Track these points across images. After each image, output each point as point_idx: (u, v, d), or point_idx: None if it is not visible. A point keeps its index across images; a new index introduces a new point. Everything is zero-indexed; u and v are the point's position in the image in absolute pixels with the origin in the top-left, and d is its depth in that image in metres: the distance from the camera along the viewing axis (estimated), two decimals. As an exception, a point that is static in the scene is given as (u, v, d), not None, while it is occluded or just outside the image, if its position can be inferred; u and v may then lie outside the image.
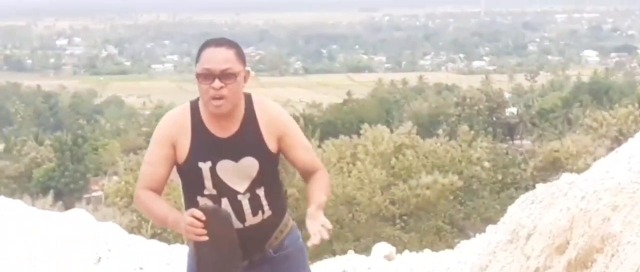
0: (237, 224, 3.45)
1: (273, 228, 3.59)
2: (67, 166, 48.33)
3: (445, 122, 53.63)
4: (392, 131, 32.95)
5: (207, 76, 3.42)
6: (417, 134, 33.28)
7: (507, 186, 33.03)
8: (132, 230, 15.39)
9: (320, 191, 3.48)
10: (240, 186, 3.48)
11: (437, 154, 32.41)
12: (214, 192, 3.48)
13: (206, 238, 3.24)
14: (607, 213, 4.33)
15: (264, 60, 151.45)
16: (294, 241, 3.68)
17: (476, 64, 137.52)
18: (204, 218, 3.22)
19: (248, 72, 3.56)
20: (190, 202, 3.51)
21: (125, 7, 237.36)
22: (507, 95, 71.59)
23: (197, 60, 3.48)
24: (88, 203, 33.25)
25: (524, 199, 6.06)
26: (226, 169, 3.46)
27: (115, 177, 34.43)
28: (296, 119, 39.55)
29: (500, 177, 33.33)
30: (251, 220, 3.50)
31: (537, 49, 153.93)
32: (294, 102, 76.42)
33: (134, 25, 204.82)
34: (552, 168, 32.55)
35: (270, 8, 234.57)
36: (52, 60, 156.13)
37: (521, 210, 5.88)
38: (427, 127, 48.40)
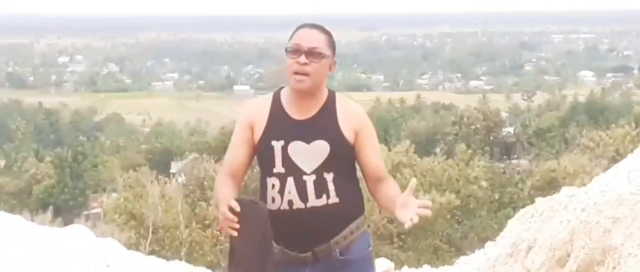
0: (299, 204, 3.48)
1: (342, 221, 3.55)
2: (66, 183, 48.30)
3: (442, 141, 53.78)
4: (389, 149, 32.97)
5: (295, 51, 3.53)
6: (414, 152, 33.35)
7: (505, 205, 33.07)
8: (130, 247, 15.37)
9: (394, 194, 3.50)
10: (308, 166, 3.50)
11: (435, 173, 32.49)
12: (282, 170, 3.51)
13: (236, 233, 3.30)
14: (607, 225, 4.33)
15: (263, 79, 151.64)
16: (362, 248, 3.61)
17: (473, 83, 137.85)
18: (238, 209, 3.28)
19: (335, 62, 3.63)
20: (262, 185, 3.59)
21: (127, 26, 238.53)
22: (504, 114, 71.69)
23: (290, 39, 3.60)
24: (87, 220, 33.21)
25: (523, 213, 6.05)
26: (297, 149, 3.51)
27: (114, 194, 34.42)
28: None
29: (497, 196, 33.41)
30: (314, 201, 3.48)
31: (534, 68, 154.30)
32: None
33: (135, 43, 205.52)
34: (549, 187, 32.55)
35: (270, 27, 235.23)
36: (53, 77, 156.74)
37: (521, 224, 5.87)
38: (424, 146, 48.50)
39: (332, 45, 3.60)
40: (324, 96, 3.59)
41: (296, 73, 3.50)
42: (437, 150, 46.06)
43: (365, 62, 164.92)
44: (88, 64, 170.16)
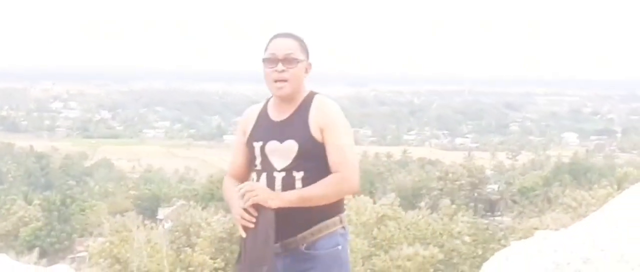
0: None
1: (308, 219, 3.70)
2: (54, 226, 48.23)
3: (427, 196, 54.01)
4: (375, 202, 33.29)
5: (271, 60, 3.77)
6: (399, 206, 33.65)
7: (487, 261, 33.22)
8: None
9: (310, 187, 3.65)
10: (280, 164, 3.70)
11: (419, 227, 32.73)
12: (260, 167, 3.78)
13: (246, 231, 3.66)
14: (578, 266, 4.52)
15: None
16: (328, 246, 3.74)
17: (459, 140, 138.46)
18: (253, 219, 3.62)
19: (310, 64, 3.85)
20: (250, 178, 3.88)
21: (121, 74, 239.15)
22: (488, 172, 71.96)
23: (265, 50, 3.82)
24: (72, 262, 33.24)
25: (498, 255, 6.17)
26: (272, 148, 3.73)
27: (100, 239, 34.50)
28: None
29: (480, 251, 33.35)
30: None
31: (519, 128, 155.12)
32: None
33: (128, 91, 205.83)
34: (532, 245, 32.95)
35: (260, 79, 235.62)
36: (47, 122, 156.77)
37: (496, 265, 5.96)
38: (409, 200, 48.68)
39: (305, 49, 3.84)
40: (301, 98, 3.81)
41: (276, 81, 3.75)
42: (422, 204, 46.41)
43: (353, 117, 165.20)
44: (81, 110, 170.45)
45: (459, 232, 33.56)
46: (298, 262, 3.72)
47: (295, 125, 3.74)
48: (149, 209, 52.61)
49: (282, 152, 3.72)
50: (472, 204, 49.49)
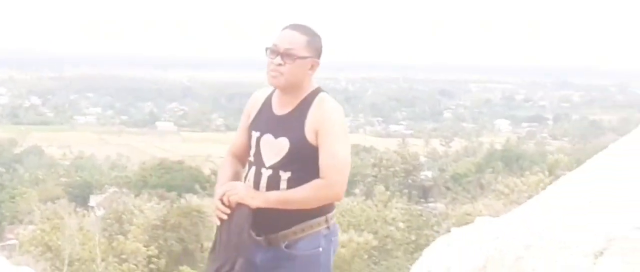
0: None
1: (290, 219, 3.67)
2: (-18, 213, 47.42)
3: (362, 182, 54.28)
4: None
5: (272, 51, 3.70)
6: (334, 192, 33.66)
7: (421, 247, 33.32)
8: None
9: (292, 191, 3.62)
10: (269, 161, 3.68)
11: (353, 213, 32.87)
12: (252, 159, 3.77)
13: (220, 221, 3.69)
14: (520, 252, 4.52)
15: (187, 116, 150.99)
16: (310, 247, 3.72)
17: (393, 127, 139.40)
18: (228, 211, 3.65)
19: (317, 62, 3.75)
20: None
21: (51, 60, 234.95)
22: (422, 158, 72.62)
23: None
24: (2, 251, 32.66)
25: (439, 241, 6.22)
26: (266, 142, 3.71)
27: (30, 226, 33.94)
28: (216, 173, 39.65)
29: (414, 238, 33.68)
30: None
31: (452, 115, 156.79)
32: (214, 158, 76.38)
33: (58, 77, 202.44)
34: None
35: (194, 65, 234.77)
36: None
37: (436, 252, 6.01)
38: (344, 187, 48.89)
39: (312, 46, 3.73)
40: (303, 94, 3.74)
41: (271, 71, 3.71)
42: (357, 191, 46.65)
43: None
44: (11, 96, 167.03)
45: (393, 219, 33.78)
46: (278, 259, 3.71)
47: (292, 123, 3.70)
48: (80, 197, 51.87)
49: (274, 148, 3.69)
50: (406, 191, 49.75)
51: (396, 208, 34.90)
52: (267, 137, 3.73)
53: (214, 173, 49.64)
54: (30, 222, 35.57)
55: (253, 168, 3.75)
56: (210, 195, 42.53)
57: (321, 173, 3.63)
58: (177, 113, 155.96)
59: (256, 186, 3.70)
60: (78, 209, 34.69)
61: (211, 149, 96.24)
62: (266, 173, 3.68)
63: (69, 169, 72.17)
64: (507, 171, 55.95)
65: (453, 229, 6.04)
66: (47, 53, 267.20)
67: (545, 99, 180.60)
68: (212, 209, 3.78)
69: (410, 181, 59.40)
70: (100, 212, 40.73)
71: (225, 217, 3.67)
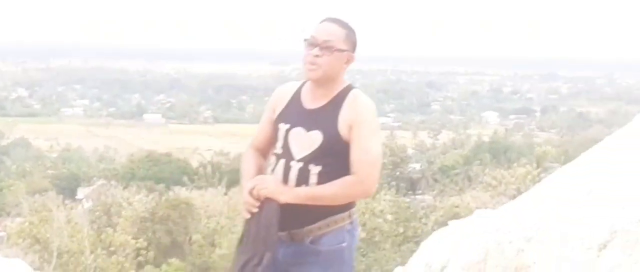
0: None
1: (317, 214, 3.64)
2: (-31, 206, 47.10)
3: (349, 175, 54.29)
4: (298, 181, 33.19)
5: (310, 43, 3.67)
6: (323, 184, 33.64)
7: (408, 239, 33.50)
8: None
9: (322, 187, 3.59)
10: (299, 153, 3.65)
11: (342, 205, 32.93)
12: (280, 152, 3.73)
13: (249, 215, 3.68)
14: (520, 244, 4.52)
15: (174, 108, 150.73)
16: (334, 242, 3.69)
17: (381, 119, 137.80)
18: (257, 204, 3.64)
19: (353, 57, 3.74)
20: (270, 158, 3.82)
21: (38, 51, 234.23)
22: (410, 151, 72.67)
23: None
24: (-10, 242, 32.54)
25: (437, 234, 6.20)
26: (297, 134, 3.68)
27: (18, 219, 33.83)
28: (204, 166, 39.61)
29: (401, 230, 33.74)
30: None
31: (440, 107, 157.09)
32: (202, 150, 76.28)
33: (45, 69, 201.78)
34: (453, 223, 33.31)
35: (182, 57, 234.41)
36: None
37: (435, 245, 6.00)
38: (333, 179, 48.85)
39: (350, 40, 3.72)
40: (337, 89, 3.74)
41: (308, 63, 3.68)
42: (345, 183, 46.59)
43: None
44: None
45: (381, 211, 33.82)
46: (301, 254, 3.70)
47: (325, 116, 3.67)
48: (67, 189, 51.73)
49: (305, 141, 3.66)
50: (394, 183, 49.81)
51: (384, 200, 34.94)
52: (298, 130, 3.70)
53: (202, 165, 49.54)
54: (18, 215, 35.44)
55: (282, 161, 3.71)
56: (198, 187, 42.38)
57: (353, 168, 3.62)
58: (165, 105, 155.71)
59: (285, 179, 3.67)
60: (66, 202, 34.56)
61: (199, 142, 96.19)
62: (296, 166, 3.66)
63: (56, 161, 72.00)
64: (495, 163, 56.12)
65: (450, 222, 6.07)
66: (34, 44, 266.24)
67: (533, 91, 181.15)
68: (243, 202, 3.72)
69: (398, 173, 59.45)
70: (88, 205, 40.59)
71: (255, 210, 3.65)
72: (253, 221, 3.69)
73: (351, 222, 3.76)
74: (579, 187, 4.98)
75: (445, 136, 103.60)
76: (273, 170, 3.73)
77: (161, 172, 51.03)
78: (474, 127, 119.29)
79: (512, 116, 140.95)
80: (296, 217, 3.64)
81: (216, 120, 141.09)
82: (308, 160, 3.64)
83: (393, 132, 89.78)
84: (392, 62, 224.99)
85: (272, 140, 3.83)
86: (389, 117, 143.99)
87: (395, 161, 59.98)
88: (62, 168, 63.53)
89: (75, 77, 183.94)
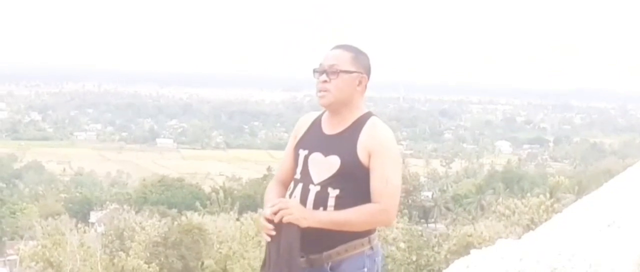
0: None
1: (335, 238, 3.61)
2: (-17, 228, 47.31)
3: (363, 202, 54.19)
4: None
5: (319, 70, 3.69)
6: (336, 211, 33.62)
7: (421, 267, 33.42)
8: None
9: (344, 212, 3.56)
10: (317, 177, 3.62)
11: (355, 233, 32.85)
12: (299, 177, 3.70)
13: (269, 239, 3.60)
14: None
15: (186, 133, 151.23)
16: (354, 268, 3.65)
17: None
18: (275, 222, 3.56)
19: (366, 78, 3.72)
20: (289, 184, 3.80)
21: (51, 75, 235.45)
22: (423, 179, 72.62)
23: None
24: (3, 266, 32.63)
25: (458, 263, 6.04)
26: (315, 160, 3.66)
27: (31, 242, 33.88)
28: (216, 191, 39.59)
29: (414, 258, 33.62)
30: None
31: (453, 136, 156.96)
32: (214, 175, 76.40)
33: (58, 93, 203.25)
34: (465, 252, 33.01)
35: (195, 83, 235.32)
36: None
37: None
38: (345, 206, 48.75)
39: (359, 61, 3.72)
40: (355, 115, 3.71)
41: (319, 91, 3.69)
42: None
43: (288, 122, 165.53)
44: (10, 111, 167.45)
45: (394, 239, 33.75)
46: None
47: (344, 142, 3.64)
48: (80, 213, 51.87)
49: (324, 166, 3.64)
50: (406, 211, 49.75)
51: (397, 228, 34.81)
52: (316, 156, 3.69)
53: (214, 191, 49.63)
54: (31, 238, 35.50)
55: (300, 185, 3.69)
56: (211, 213, 42.32)
57: (374, 198, 3.58)
58: (177, 130, 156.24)
59: (303, 202, 3.63)
60: (79, 226, 34.63)
61: (211, 167, 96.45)
62: (314, 190, 3.63)
63: (69, 185, 72.34)
64: (508, 192, 55.94)
65: (472, 251, 5.97)
66: (47, 68, 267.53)
67: (546, 121, 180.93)
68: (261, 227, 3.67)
69: (410, 201, 59.36)
70: (100, 229, 40.67)
71: (273, 233, 3.60)
72: (273, 245, 3.63)
73: (371, 248, 3.69)
74: (599, 219, 4.98)
75: (457, 165, 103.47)
76: (291, 194, 3.72)
77: (173, 197, 51.16)
78: (487, 156, 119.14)
79: (525, 146, 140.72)
80: (315, 242, 3.59)
81: (228, 145, 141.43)
82: (326, 184, 3.62)
83: (405, 160, 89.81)
84: (405, 89, 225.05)
85: (295, 171, 3.80)
86: (401, 144, 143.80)
87: (407, 189, 59.88)
88: (75, 192, 63.77)
89: (88, 101, 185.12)
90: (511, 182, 64.48)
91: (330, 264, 3.63)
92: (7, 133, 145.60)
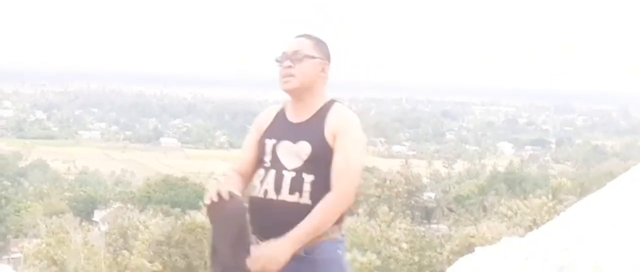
0: (272, 194, 3.67)
1: None
2: (-12, 227, 47.50)
3: (365, 202, 54.21)
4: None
5: (283, 58, 3.78)
6: (338, 212, 33.66)
7: (423, 268, 33.44)
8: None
9: (312, 219, 3.57)
10: (290, 164, 3.67)
11: (357, 233, 32.82)
12: (269, 164, 3.74)
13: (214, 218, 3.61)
14: None
15: (190, 133, 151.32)
16: (329, 251, 3.70)
17: (396, 148, 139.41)
18: (216, 199, 3.54)
19: (327, 63, 3.82)
20: (258, 172, 3.80)
21: (56, 74, 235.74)
22: (425, 180, 72.54)
23: None
24: (7, 264, 32.69)
25: (462, 261, 6.25)
26: (285, 148, 3.71)
27: (35, 240, 34.00)
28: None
29: (417, 259, 33.63)
30: (286, 196, 3.64)
31: (455, 137, 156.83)
32: (217, 175, 76.41)
33: (63, 92, 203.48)
34: (468, 253, 33.01)
35: (198, 82, 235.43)
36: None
37: (461, 271, 5.99)
38: (347, 206, 48.81)
39: (319, 47, 3.83)
40: (319, 102, 3.80)
41: (283, 76, 3.77)
42: (360, 211, 46.62)
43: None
44: (16, 110, 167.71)
45: (397, 239, 33.74)
46: (299, 266, 3.65)
47: (311, 128, 3.72)
48: (84, 211, 52.00)
49: (294, 153, 3.70)
50: (409, 212, 49.73)
51: (399, 229, 34.86)
52: (285, 143, 3.74)
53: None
54: (35, 236, 35.61)
55: (272, 171, 3.72)
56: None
57: (333, 176, 3.64)
58: (181, 130, 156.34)
59: (277, 186, 3.67)
60: (83, 224, 34.74)
61: (214, 166, 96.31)
62: (289, 175, 3.67)
63: (73, 183, 72.48)
64: (510, 193, 55.87)
65: (477, 249, 6.06)
66: (52, 67, 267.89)
67: (548, 123, 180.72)
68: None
69: (413, 202, 59.31)
70: (104, 227, 40.79)
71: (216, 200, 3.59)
72: (218, 237, 3.60)
73: (342, 234, 3.77)
74: (603, 218, 5.05)
75: (460, 166, 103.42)
76: (263, 181, 3.74)
77: (177, 196, 51.21)
78: (489, 157, 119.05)
79: (527, 147, 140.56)
80: (285, 226, 3.61)
81: (232, 145, 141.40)
82: (301, 170, 3.67)
83: (408, 161, 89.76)
84: (408, 91, 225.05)
85: (256, 163, 3.85)
86: (403, 145, 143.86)
87: (410, 190, 59.85)
88: (79, 190, 63.87)
89: (93, 100, 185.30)
90: (513, 183, 64.36)
91: (304, 249, 3.64)
92: (12, 131, 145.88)
